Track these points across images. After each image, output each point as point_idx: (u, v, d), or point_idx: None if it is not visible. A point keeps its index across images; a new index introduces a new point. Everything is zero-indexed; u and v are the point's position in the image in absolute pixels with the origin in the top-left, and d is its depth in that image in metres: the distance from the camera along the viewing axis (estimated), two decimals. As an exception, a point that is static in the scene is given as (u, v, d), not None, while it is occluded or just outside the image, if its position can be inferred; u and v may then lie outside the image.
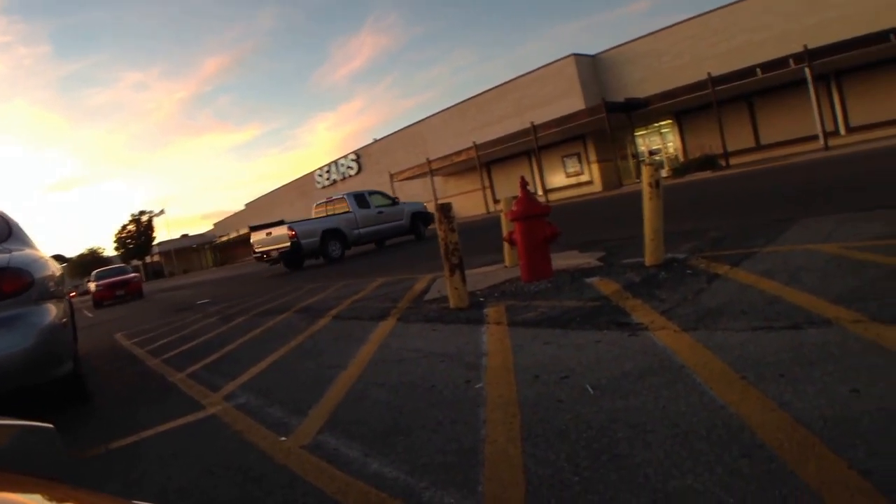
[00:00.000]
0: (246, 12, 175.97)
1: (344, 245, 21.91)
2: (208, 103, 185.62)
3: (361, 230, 22.45)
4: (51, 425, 1.01)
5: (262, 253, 21.52)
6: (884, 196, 9.16)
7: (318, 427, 3.86)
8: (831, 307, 4.17)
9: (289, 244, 20.13)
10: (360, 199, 23.16)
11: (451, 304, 6.76)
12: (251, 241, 22.17)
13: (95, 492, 0.98)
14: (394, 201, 25.04)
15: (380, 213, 23.42)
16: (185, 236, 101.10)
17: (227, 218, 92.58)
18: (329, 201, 23.79)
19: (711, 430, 2.77)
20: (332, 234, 21.23)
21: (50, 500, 0.79)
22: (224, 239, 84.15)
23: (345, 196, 23.18)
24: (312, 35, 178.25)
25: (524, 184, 7.39)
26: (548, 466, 2.73)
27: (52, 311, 5.00)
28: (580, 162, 41.59)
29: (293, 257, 20.72)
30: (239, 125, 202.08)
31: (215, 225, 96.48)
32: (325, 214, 22.54)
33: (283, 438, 3.80)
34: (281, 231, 20.64)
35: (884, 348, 3.31)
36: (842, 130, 32.45)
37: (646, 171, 6.77)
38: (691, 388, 3.29)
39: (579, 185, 41.52)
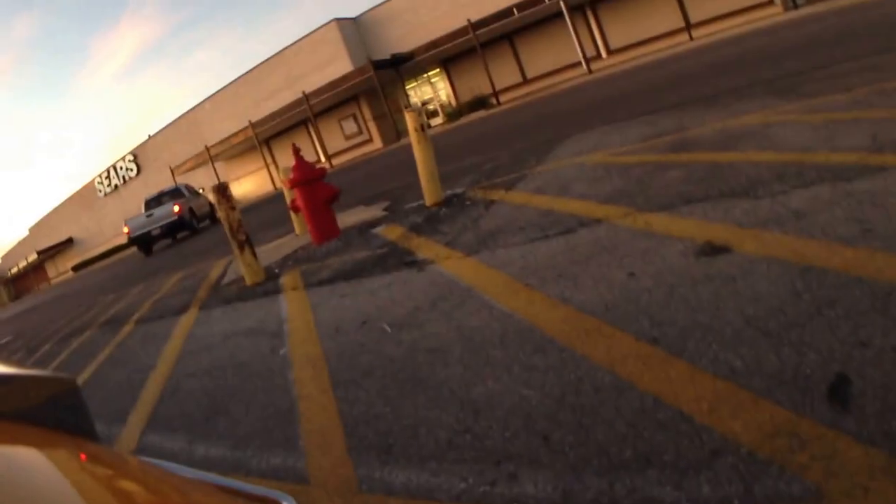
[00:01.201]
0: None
1: (197, 221, 26.39)
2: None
3: (197, 212, 26.68)
4: (74, 377, 0.93)
5: (145, 233, 23.80)
6: (643, 105, 9.93)
7: (140, 430, 3.70)
8: (601, 208, 4.47)
9: (176, 218, 23.71)
10: (188, 188, 27.86)
11: (247, 281, 6.61)
12: (125, 229, 24.50)
13: (115, 450, 0.93)
14: (197, 192, 29.21)
15: (196, 199, 27.55)
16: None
17: (13, 248, 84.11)
18: (162, 194, 26.27)
19: (504, 336, 2.92)
20: (191, 212, 25.43)
21: (77, 455, 0.76)
22: (15, 271, 76.75)
23: (179, 187, 27.31)
24: (72, 37, 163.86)
25: (297, 151, 7.36)
26: (360, 405, 2.79)
27: None
28: (357, 122, 41.64)
29: (178, 230, 24.28)
30: (10, 141, 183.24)
31: (2, 258, 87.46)
32: (160, 204, 25.09)
33: (110, 449, 3.64)
34: (166, 209, 23.89)
35: (653, 233, 3.59)
36: (603, 54, 34.73)
37: (409, 118, 6.87)
38: (480, 305, 3.43)
39: (360, 144, 41.57)
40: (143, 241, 24.21)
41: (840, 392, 1.80)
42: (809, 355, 2.00)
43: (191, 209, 25.39)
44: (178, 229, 24.27)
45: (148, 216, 24.00)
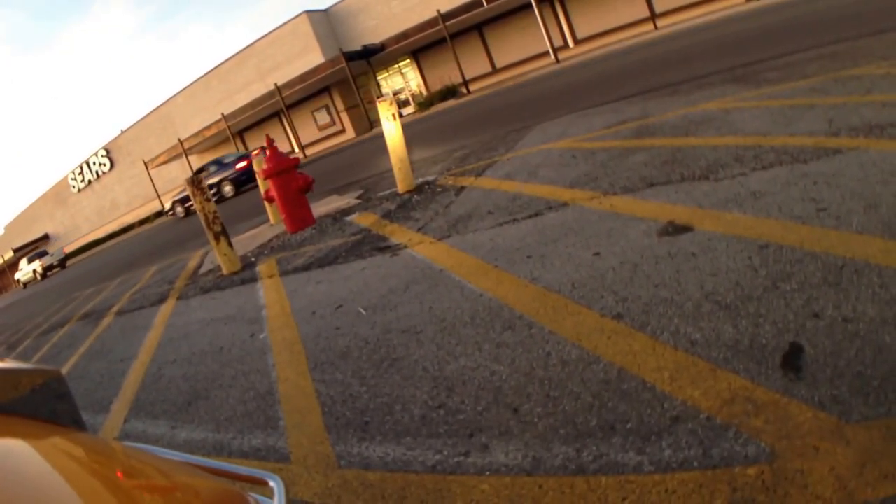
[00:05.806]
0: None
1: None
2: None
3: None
4: (58, 368, 0.95)
5: (216, 184, 29.10)
6: (608, 93, 10.00)
7: (123, 417, 3.72)
8: (567, 191, 4.58)
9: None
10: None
11: (224, 270, 6.64)
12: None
13: (101, 438, 0.96)
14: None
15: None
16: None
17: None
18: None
19: (475, 316, 3.00)
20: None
21: (65, 445, 0.78)
22: (-9, 269, 75.47)
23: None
24: (39, 31, 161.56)
25: (270, 142, 7.38)
26: (337, 386, 2.86)
27: None
28: (330, 113, 41.47)
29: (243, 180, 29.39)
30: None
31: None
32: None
33: (94, 438, 3.65)
34: (235, 164, 30.09)
35: (618, 215, 3.69)
36: (570, 43, 34.80)
37: (381, 107, 6.93)
38: (452, 287, 3.52)
39: (333, 135, 41.41)
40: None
41: (793, 360, 1.89)
42: (765, 326, 2.09)
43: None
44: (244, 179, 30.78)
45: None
